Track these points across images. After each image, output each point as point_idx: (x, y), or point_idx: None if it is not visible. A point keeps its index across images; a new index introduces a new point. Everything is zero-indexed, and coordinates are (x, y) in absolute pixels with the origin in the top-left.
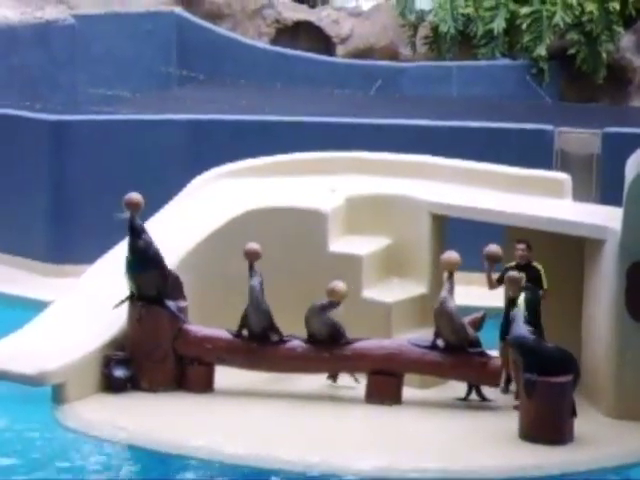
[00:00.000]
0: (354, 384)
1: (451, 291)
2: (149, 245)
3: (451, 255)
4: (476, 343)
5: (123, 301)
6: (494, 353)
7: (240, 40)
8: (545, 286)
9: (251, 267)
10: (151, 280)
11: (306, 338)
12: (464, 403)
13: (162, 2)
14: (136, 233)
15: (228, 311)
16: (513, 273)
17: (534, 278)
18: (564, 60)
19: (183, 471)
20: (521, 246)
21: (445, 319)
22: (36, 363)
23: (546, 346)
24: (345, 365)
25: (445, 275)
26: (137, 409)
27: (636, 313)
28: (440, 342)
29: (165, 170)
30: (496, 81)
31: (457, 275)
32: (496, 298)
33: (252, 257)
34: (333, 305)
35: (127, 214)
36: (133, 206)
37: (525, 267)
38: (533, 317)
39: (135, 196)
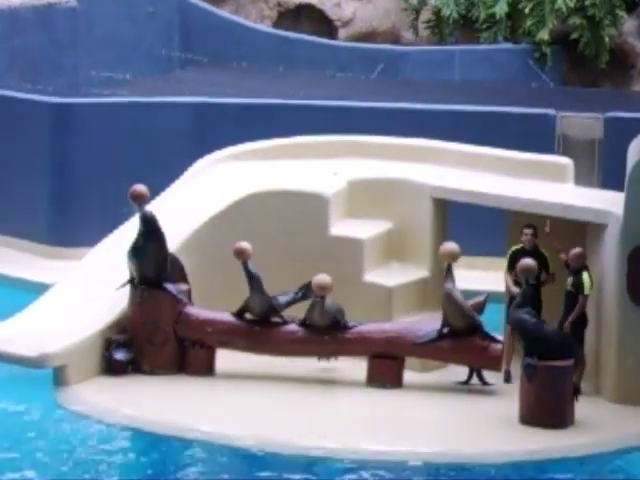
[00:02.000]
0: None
1: (454, 281)
2: (160, 236)
3: (451, 246)
4: (481, 327)
5: (126, 283)
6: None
7: (242, 23)
8: (550, 270)
9: (246, 268)
10: (153, 264)
11: (302, 320)
12: (465, 387)
13: None
14: (148, 222)
15: (230, 294)
16: (527, 261)
17: (540, 263)
18: (566, 44)
19: (183, 454)
20: (529, 231)
21: (455, 309)
22: (37, 345)
23: (547, 329)
24: (346, 348)
25: (445, 265)
26: (138, 392)
27: (637, 297)
28: (446, 330)
29: (167, 153)
30: (498, 65)
31: (459, 260)
32: (497, 282)
33: (243, 256)
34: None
35: (135, 206)
36: (139, 197)
37: (531, 252)
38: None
39: (140, 187)
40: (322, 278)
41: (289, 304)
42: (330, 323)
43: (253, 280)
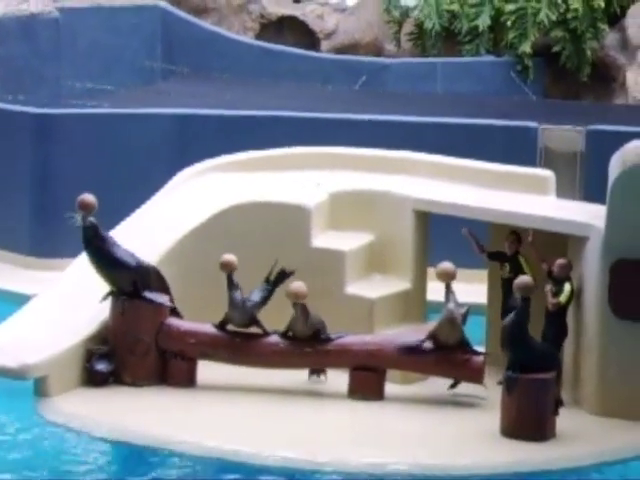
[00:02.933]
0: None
1: (456, 302)
2: (105, 244)
3: (446, 266)
4: (466, 340)
5: (108, 295)
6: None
7: (225, 35)
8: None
9: (230, 280)
10: (121, 277)
11: (283, 332)
12: (446, 399)
13: None
14: (89, 235)
15: (211, 305)
16: (525, 278)
17: (518, 271)
18: (549, 57)
19: (164, 466)
20: (511, 237)
21: (453, 329)
22: (18, 356)
23: (533, 341)
24: (327, 361)
25: (444, 286)
26: (119, 403)
27: (619, 310)
28: (428, 344)
29: (149, 164)
30: (480, 78)
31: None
32: (479, 294)
33: (229, 269)
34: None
35: (79, 216)
36: (86, 207)
37: (510, 258)
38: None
39: (88, 197)
40: (299, 286)
41: (265, 300)
42: (312, 333)
43: (234, 293)
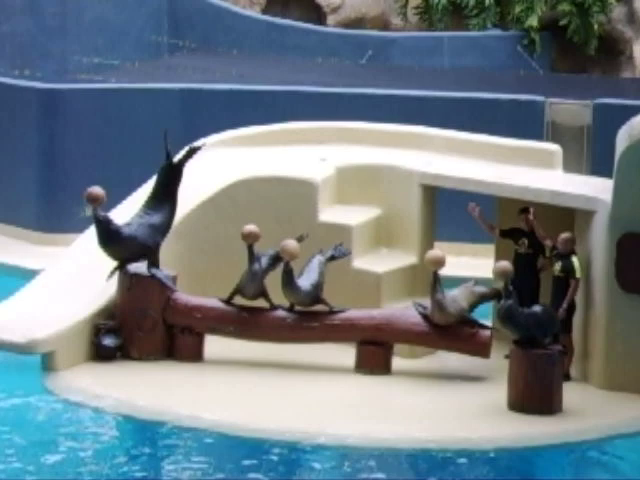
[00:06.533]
0: None
1: (442, 290)
2: (118, 234)
3: (435, 254)
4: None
5: (114, 271)
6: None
7: (232, 9)
8: (547, 255)
9: (251, 250)
10: (130, 256)
11: (290, 306)
12: (453, 373)
13: None
14: (102, 226)
15: (219, 279)
16: (503, 263)
17: (537, 246)
18: (555, 31)
19: (170, 440)
20: (526, 213)
21: (447, 316)
22: (25, 331)
23: (528, 318)
24: (334, 335)
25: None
26: (126, 378)
27: (626, 284)
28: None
29: (156, 138)
30: (487, 52)
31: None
32: (486, 269)
33: (252, 239)
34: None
35: (89, 210)
36: (95, 200)
37: (530, 234)
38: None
39: (96, 190)
40: (291, 243)
41: (267, 270)
42: (310, 299)
43: (254, 264)
